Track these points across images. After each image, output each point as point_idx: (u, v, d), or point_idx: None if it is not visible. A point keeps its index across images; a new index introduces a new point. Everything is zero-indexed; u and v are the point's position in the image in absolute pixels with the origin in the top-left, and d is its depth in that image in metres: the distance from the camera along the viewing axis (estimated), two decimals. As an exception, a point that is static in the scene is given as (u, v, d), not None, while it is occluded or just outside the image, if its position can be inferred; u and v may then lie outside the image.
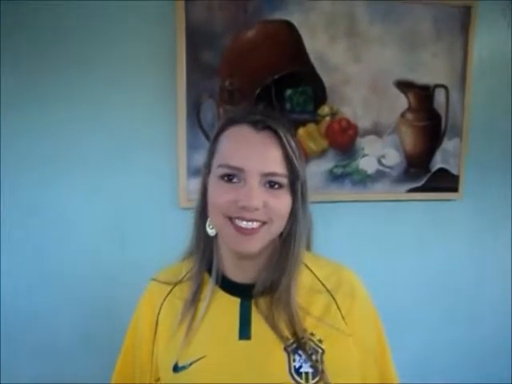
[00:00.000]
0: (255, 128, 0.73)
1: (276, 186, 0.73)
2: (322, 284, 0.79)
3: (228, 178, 0.72)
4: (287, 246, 0.76)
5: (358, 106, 1.49)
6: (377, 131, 1.51)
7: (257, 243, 0.72)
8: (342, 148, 1.49)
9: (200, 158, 1.36)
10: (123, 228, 1.40)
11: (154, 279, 0.84)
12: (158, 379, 0.78)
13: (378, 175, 1.53)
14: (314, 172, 1.47)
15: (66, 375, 1.38)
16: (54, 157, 1.34)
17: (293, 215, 0.75)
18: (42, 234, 1.36)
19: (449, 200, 1.63)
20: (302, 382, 0.70)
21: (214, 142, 0.76)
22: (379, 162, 1.53)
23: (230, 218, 0.71)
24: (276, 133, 0.72)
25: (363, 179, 1.52)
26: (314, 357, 0.72)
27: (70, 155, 1.35)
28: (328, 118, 1.46)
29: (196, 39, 1.33)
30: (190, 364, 0.73)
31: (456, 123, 1.59)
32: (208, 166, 0.77)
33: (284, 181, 0.73)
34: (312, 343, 0.73)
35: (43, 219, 1.35)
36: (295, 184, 0.74)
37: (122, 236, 1.40)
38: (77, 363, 1.39)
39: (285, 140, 0.72)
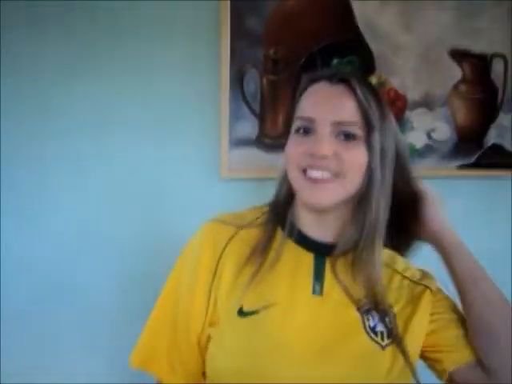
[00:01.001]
0: (330, 82, 0.76)
1: (350, 138, 0.73)
2: (402, 275, 0.85)
3: (303, 130, 0.75)
4: (364, 207, 0.76)
5: (407, 76, 1.44)
6: (427, 103, 1.46)
7: (328, 195, 0.73)
8: None
9: (242, 129, 1.37)
10: (163, 201, 1.41)
11: (214, 219, 0.84)
12: (212, 324, 0.78)
13: (427, 150, 1.49)
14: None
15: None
16: (90, 124, 1.35)
17: (368, 172, 0.75)
18: (83, 205, 1.38)
19: (502, 178, 1.56)
20: (378, 339, 0.74)
21: (297, 101, 0.79)
22: (428, 136, 1.49)
23: (304, 171, 0.74)
24: (350, 84, 0.74)
25: (411, 154, 1.39)
26: (387, 318, 0.76)
27: (108, 123, 1.36)
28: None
29: (240, 4, 1.32)
30: (260, 309, 0.74)
31: (514, 96, 1.51)
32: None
33: (358, 131, 0.73)
34: (382, 307, 0.76)
35: (82, 192, 1.37)
36: (370, 136, 0.74)
37: (162, 210, 1.41)
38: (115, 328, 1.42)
39: (358, 90, 0.74)
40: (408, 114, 1.46)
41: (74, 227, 1.38)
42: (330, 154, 0.72)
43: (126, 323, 1.34)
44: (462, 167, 1.52)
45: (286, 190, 0.83)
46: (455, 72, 1.47)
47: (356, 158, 0.73)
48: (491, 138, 1.53)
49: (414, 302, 0.81)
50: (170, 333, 0.82)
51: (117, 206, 1.40)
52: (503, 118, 1.52)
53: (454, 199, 1.49)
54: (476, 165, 1.53)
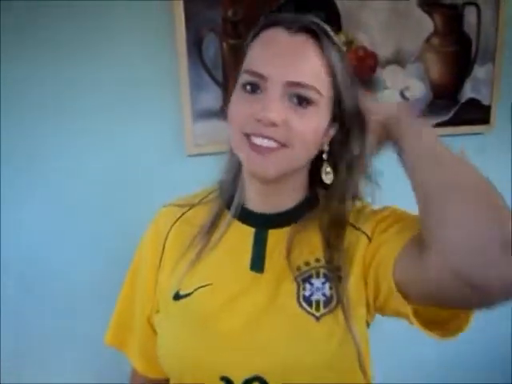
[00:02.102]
0: (289, 30, 0.64)
1: (304, 103, 0.64)
2: (353, 225, 0.73)
3: (250, 87, 0.65)
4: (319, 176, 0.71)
5: (376, 32, 1.38)
6: (399, 60, 1.42)
7: (272, 166, 0.65)
8: (359, 81, 1.38)
9: (206, 99, 1.30)
10: (127, 181, 1.37)
11: (164, 205, 0.81)
12: (158, 311, 0.76)
13: None
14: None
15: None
16: (51, 103, 1.30)
17: (335, 149, 0.69)
18: (45, 183, 1.34)
19: (479, 133, 1.56)
20: (312, 310, 0.67)
21: (247, 49, 0.69)
22: (402, 94, 1.46)
23: (247, 135, 0.65)
24: (315, 37, 0.64)
25: None
26: (327, 284, 0.69)
27: (67, 103, 1.31)
28: (344, 47, 1.37)
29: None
30: (193, 291, 0.70)
31: (488, 47, 1.48)
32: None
33: (315, 97, 0.64)
34: (327, 271, 0.69)
35: (47, 168, 1.33)
36: (335, 106, 0.66)
37: (127, 190, 1.37)
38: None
39: (325, 45, 0.64)
40: (379, 72, 1.42)
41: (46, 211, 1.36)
42: (280, 122, 0.63)
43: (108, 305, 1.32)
44: (437, 125, 1.50)
45: (234, 161, 0.75)
46: (426, 25, 1.42)
47: (309, 127, 0.65)
48: (467, 92, 1.51)
49: (352, 252, 0.70)
50: (134, 314, 0.81)
51: (79, 187, 1.35)
52: (478, 71, 1.50)
53: None
54: (452, 122, 1.51)
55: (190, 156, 1.35)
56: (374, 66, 1.41)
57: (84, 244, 1.38)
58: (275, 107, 0.62)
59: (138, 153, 1.37)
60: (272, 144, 0.64)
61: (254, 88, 0.65)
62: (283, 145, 0.64)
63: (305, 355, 0.65)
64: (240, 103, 0.66)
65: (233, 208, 0.74)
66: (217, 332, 0.67)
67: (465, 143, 1.53)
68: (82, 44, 1.29)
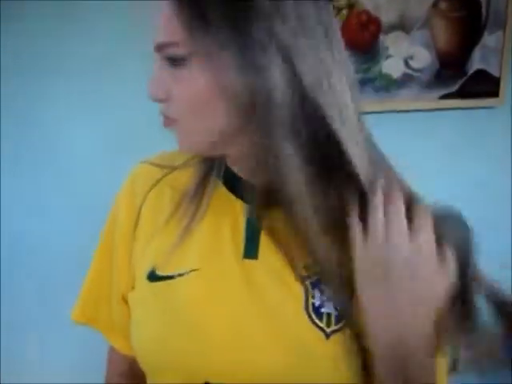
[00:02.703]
0: None
1: (176, 63, 0.53)
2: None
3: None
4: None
5: (380, -5, 1.32)
6: (403, 26, 1.35)
7: (184, 141, 0.57)
8: (361, 48, 1.35)
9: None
10: (116, 146, 1.36)
11: (143, 162, 0.71)
12: (133, 288, 0.66)
13: (405, 80, 1.40)
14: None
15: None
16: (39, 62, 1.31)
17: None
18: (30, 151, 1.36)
19: (488, 107, 1.48)
20: (322, 325, 0.55)
21: None
22: (406, 63, 1.39)
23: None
24: None
25: (387, 85, 1.39)
26: (340, 296, 0.56)
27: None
28: (344, 12, 1.32)
29: None
30: (175, 275, 0.60)
31: (499, 12, 1.39)
32: None
33: (181, 51, 0.52)
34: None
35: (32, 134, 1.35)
36: (203, 44, 0.50)
37: (115, 155, 1.32)
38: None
39: None
40: (382, 38, 1.36)
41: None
42: (162, 95, 0.55)
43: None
44: (443, 97, 1.43)
45: None
46: (434, -13, 1.35)
47: (186, 91, 0.53)
48: (475, 62, 1.43)
49: None
50: (107, 287, 0.71)
51: (66, 154, 1.36)
52: (488, 39, 1.41)
53: (436, 133, 1.50)
54: (459, 94, 1.44)
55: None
56: (377, 31, 1.35)
57: (71, 213, 1.38)
58: (154, 81, 0.55)
59: (129, 117, 1.34)
60: (167, 122, 0.57)
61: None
62: (175, 120, 0.56)
63: (305, 376, 0.54)
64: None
65: (217, 168, 0.64)
66: (205, 340, 0.57)
67: (472, 118, 1.49)
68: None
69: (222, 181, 0.63)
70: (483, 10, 1.39)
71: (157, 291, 0.60)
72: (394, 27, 1.36)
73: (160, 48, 0.53)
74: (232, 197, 0.62)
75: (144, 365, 0.62)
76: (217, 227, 0.61)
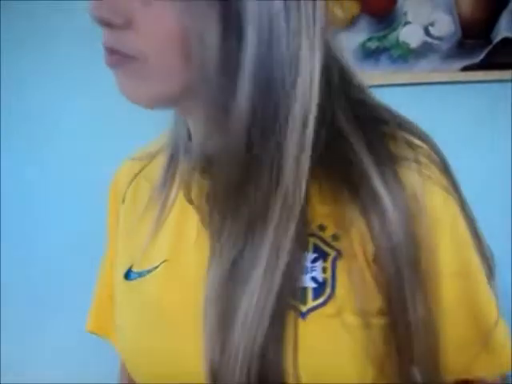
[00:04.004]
0: None
1: None
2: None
3: None
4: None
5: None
6: (424, -13, 1.30)
7: (135, 89, 0.46)
8: (377, 14, 1.31)
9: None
10: (112, 127, 1.35)
11: (128, 157, 0.67)
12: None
13: (425, 49, 1.35)
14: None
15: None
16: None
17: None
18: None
19: None
20: (296, 303, 0.47)
21: None
22: (426, 31, 1.34)
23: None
24: None
25: (405, 55, 1.34)
26: (319, 263, 0.50)
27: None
28: None
29: None
30: (147, 272, 0.56)
31: (531, -27, 1.32)
32: None
33: None
34: (319, 242, 0.49)
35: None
36: None
37: (111, 136, 1.35)
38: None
39: None
40: (400, 3, 1.31)
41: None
42: (120, 20, 0.42)
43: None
44: (466, 68, 1.37)
45: None
46: None
47: (161, 20, 0.42)
48: (501, 30, 1.36)
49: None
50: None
51: (66, 133, 1.38)
52: (517, 4, 1.35)
53: (458, 107, 1.43)
54: (484, 65, 1.38)
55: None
56: None
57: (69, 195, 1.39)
58: None
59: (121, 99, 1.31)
60: (116, 59, 0.45)
61: None
62: (132, 57, 0.45)
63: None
64: None
65: (183, 148, 0.56)
66: (175, 331, 0.52)
67: (498, 91, 1.43)
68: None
69: (192, 162, 0.55)
70: None
71: (132, 289, 0.56)
72: None
73: None
74: (201, 179, 0.54)
75: (130, 372, 0.58)
76: (185, 212, 0.55)
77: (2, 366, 1.36)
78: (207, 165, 0.51)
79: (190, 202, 0.53)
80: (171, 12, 0.41)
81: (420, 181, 0.47)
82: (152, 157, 0.62)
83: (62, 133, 1.38)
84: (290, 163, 0.44)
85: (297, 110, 0.43)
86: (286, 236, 0.45)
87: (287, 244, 0.45)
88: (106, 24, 0.42)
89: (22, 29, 1.31)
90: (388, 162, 0.47)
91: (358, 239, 0.47)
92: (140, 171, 0.62)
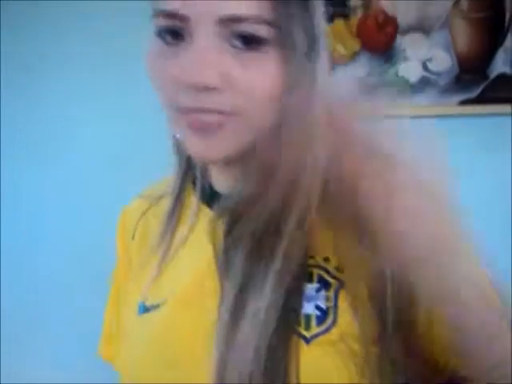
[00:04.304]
0: None
1: (252, 45, 0.45)
2: None
3: (170, 35, 0.47)
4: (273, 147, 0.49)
5: (398, -7, 1.31)
6: (422, 27, 1.34)
7: (221, 147, 0.48)
8: (377, 50, 1.35)
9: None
10: (124, 153, 1.37)
11: (136, 196, 0.69)
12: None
13: (423, 84, 1.38)
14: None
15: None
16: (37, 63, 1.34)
17: (290, 96, 0.47)
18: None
19: (510, 114, 1.44)
20: (301, 329, 0.49)
21: None
22: (424, 66, 1.38)
23: (181, 109, 0.49)
24: None
25: (404, 89, 1.37)
26: (322, 292, 0.52)
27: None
28: (360, 12, 1.31)
29: None
30: (156, 306, 0.58)
31: (524, 14, 1.37)
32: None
33: (265, 32, 0.44)
34: (323, 273, 0.52)
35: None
36: (289, 34, 0.45)
37: (122, 162, 1.37)
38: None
39: None
40: (400, 40, 1.35)
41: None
42: (219, 82, 0.45)
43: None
44: (464, 103, 1.41)
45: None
46: (456, -14, 1.33)
47: (263, 77, 0.46)
48: (497, 66, 1.40)
49: None
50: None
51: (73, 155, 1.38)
52: (511, 41, 1.39)
53: (455, 140, 1.46)
54: (480, 100, 1.41)
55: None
56: (394, 32, 1.34)
57: (72, 220, 1.39)
58: (208, 59, 0.45)
59: (133, 123, 1.35)
60: (215, 117, 0.47)
61: (175, 35, 0.46)
62: (231, 114, 0.47)
63: None
64: (159, 60, 0.48)
65: (199, 189, 0.59)
66: (177, 369, 0.53)
67: (495, 125, 1.46)
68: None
69: (206, 201, 0.58)
70: (507, 11, 1.37)
71: (143, 323, 0.58)
72: (412, 28, 1.35)
73: (232, 21, 0.45)
74: (211, 213, 0.58)
75: None
76: (197, 245, 0.58)
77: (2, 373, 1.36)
78: (225, 206, 0.54)
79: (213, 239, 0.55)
80: (271, 70, 0.46)
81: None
82: (160, 196, 0.64)
83: (66, 149, 1.40)
84: (299, 208, 0.49)
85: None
86: (291, 267, 0.49)
87: (291, 274, 0.48)
88: (204, 88, 0.45)
89: (31, 53, 1.33)
90: None
91: (359, 271, 0.49)
92: (148, 209, 0.64)
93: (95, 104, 1.36)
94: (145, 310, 0.58)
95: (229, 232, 0.53)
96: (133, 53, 1.30)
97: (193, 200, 0.59)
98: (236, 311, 0.49)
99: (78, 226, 1.38)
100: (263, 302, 0.48)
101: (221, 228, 0.55)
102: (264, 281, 0.49)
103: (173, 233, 0.59)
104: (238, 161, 0.52)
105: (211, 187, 0.58)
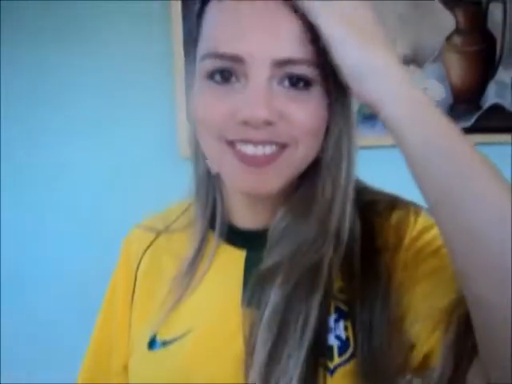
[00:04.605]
0: None
1: (301, 85, 0.49)
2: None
3: (221, 75, 0.50)
4: (322, 180, 0.54)
5: (392, 27, 1.33)
6: (416, 59, 1.36)
7: (274, 179, 0.51)
8: None
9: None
10: (117, 185, 1.35)
11: (136, 226, 0.70)
12: (131, 355, 0.64)
13: None
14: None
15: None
16: (41, 101, 1.33)
17: (331, 131, 0.53)
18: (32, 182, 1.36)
19: (504, 143, 1.44)
20: (325, 360, 0.51)
21: (197, 22, 0.53)
22: None
23: (231, 142, 0.51)
24: None
25: None
26: (341, 322, 0.53)
27: (57, 101, 1.34)
28: None
29: None
30: (173, 340, 0.58)
31: (515, 47, 1.39)
32: (192, 62, 0.55)
33: (313, 73, 0.49)
34: (340, 302, 0.54)
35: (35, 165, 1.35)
36: (331, 78, 0.50)
37: (116, 195, 1.35)
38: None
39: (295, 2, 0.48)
40: None
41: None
42: (275, 119, 0.48)
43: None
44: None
45: (204, 166, 0.59)
46: (448, 21, 1.36)
47: (313, 114, 0.50)
48: (490, 97, 1.42)
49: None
50: (106, 359, 0.68)
51: (68, 187, 1.37)
52: (503, 74, 1.41)
53: None
54: (474, 129, 1.42)
55: (184, 157, 1.30)
56: None
57: (71, 249, 1.37)
58: (265, 99, 0.48)
59: (129, 153, 1.34)
60: (269, 149, 0.50)
61: (227, 76, 0.50)
62: (284, 146, 0.51)
63: None
64: (210, 99, 0.51)
65: (217, 228, 0.60)
66: None
67: (488, 154, 1.49)
68: (76, 40, 1.32)
69: (224, 237, 0.61)
70: (498, 45, 1.39)
71: (157, 359, 0.58)
72: (406, 60, 1.36)
73: (282, 63, 0.48)
74: (232, 250, 0.61)
75: None
76: (216, 282, 0.60)
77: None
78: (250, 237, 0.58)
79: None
80: (322, 105, 0.51)
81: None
82: (165, 227, 0.66)
83: (64, 184, 1.38)
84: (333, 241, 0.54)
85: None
86: (313, 302, 0.52)
87: (315, 309, 0.51)
88: (267, 123, 0.49)
89: (33, 82, 1.33)
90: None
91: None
92: (154, 241, 0.66)
93: (93, 134, 1.36)
94: (162, 343, 0.58)
95: (260, 268, 0.55)
96: (133, 80, 1.33)
97: (212, 239, 0.61)
98: (272, 349, 0.51)
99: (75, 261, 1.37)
100: (297, 340, 0.51)
101: (243, 263, 0.58)
102: (298, 317, 0.51)
103: (193, 270, 0.60)
104: (276, 195, 0.55)
105: (230, 223, 0.60)
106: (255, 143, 0.50)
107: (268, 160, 0.50)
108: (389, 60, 0.46)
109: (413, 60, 1.37)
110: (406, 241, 0.54)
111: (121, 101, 1.33)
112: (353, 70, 0.46)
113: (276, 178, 0.52)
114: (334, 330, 0.53)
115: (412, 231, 0.54)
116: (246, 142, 0.50)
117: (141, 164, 1.34)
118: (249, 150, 0.50)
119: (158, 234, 0.66)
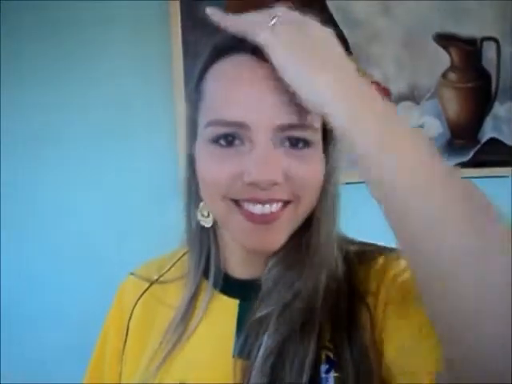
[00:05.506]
0: (257, 57, 0.51)
1: (300, 145, 0.53)
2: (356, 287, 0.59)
3: (226, 140, 0.52)
4: (313, 231, 0.57)
5: (389, 66, 1.36)
6: (413, 96, 1.39)
7: (280, 234, 0.54)
8: None
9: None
10: (119, 221, 1.34)
11: (131, 273, 0.71)
12: None
13: None
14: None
15: None
16: (38, 133, 1.33)
17: (324, 187, 0.56)
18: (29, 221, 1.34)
19: (502, 176, 1.47)
20: None
21: (197, 86, 0.56)
22: None
23: (237, 202, 0.53)
24: None
25: None
26: (331, 373, 0.54)
27: (54, 133, 1.33)
28: None
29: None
30: None
31: (509, 83, 1.43)
32: (192, 126, 0.57)
33: (312, 136, 0.53)
34: (330, 353, 0.55)
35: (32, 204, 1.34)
36: (329, 140, 0.55)
37: (117, 231, 1.34)
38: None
39: None
40: None
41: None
42: (281, 178, 0.51)
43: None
44: (456, 167, 1.42)
45: (197, 218, 0.61)
46: (443, 59, 1.39)
47: (313, 171, 0.54)
48: (487, 131, 1.44)
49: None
50: None
51: (66, 227, 1.35)
52: (499, 109, 1.43)
53: None
54: (472, 163, 1.44)
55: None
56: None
57: (69, 288, 1.35)
58: (272, 161, 0.50)
59: (129, 189, 1.34)
60: (276, 207, 0.53)
61: (231, 139, 0.52)
62: (288, 202, 0.54)
63: None
64: (214, 161, 0.53)
65: (211, 278, 0.62)
66: None
67: (487, 187, 1.50)
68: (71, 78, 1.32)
69: (219, 288, 0.62)
70: (493, 82, 1.42)
71: None
72: (403, 97, 1.39)
73: (284, 128, 0.52)
74: (226, 299, 0.62)
75: None
76: (209, 332, 0.61)
77: None
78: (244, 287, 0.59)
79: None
80: (319, 163, 0.55)
81: None
82: (159, 275, 0.67)
83: (64, 224, 1.36)
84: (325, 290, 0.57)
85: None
86: (310, 347, 0.53)
87: (311, 354, 0.53)
88: (274, 183, 0.51)
89: (35, 123, 1.33)
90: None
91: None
92: (146, 290, 0.67)
93: (95, 175, 1.35)
94: None
95: (252, 318, 0.56)
96: (137, 122, 1.34)
97: (205, 289, 0.62)
98: None
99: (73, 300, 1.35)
100: (294, 378, 0.52)
101: (237, 312, 0.59)
102: (294, 360, 0.53)
103: (186, 321, 0.61)
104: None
105: (225, 273, 0.62)
106: (263, 203, 0.52)
107: (274, 217, 0.53)
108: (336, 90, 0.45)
109: (410, 97, 1.40)
110: (387, 280, 0.55)
111: (120, 135, 1.34)
112: (307, 100, 0.47)
113: (281, 233, 0.55)
114: (325, 381, 0.54)
115: (392, 270, 0.56)
116: (254, 201, 0.53)
117: (140, 204, 1.34)
118: (256, 209, 0.53)
119: (152, 282, 0.67)
